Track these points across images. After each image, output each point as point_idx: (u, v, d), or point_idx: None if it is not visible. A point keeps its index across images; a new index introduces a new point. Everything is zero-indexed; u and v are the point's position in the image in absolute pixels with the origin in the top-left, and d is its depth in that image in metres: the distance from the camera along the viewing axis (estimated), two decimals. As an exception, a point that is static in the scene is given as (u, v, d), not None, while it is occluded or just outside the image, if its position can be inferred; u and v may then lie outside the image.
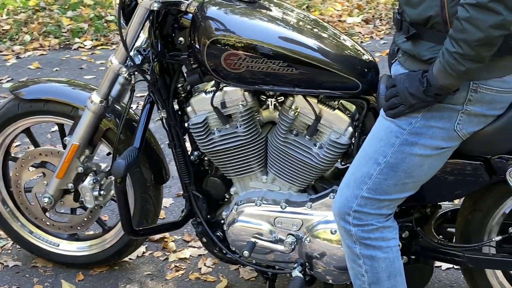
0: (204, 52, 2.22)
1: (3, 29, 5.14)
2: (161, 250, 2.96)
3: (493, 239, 2.36)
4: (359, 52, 2.35)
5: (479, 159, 2.21)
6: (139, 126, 2.43)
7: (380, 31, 5.74)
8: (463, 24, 1.82)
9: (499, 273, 2.47)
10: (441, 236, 2.48)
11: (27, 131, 2.70)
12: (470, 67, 1.87)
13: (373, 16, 5.93)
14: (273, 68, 2.22)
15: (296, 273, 2.34)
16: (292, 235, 2.37)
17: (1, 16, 5.35)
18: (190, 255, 2.94)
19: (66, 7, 5.56)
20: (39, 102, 2.56)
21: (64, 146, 2.61)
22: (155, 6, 2.24)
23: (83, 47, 5.04)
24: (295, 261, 2.39)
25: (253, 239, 2.38)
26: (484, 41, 1.83)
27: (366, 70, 2.28)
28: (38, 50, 4.97)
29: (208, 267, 2.87)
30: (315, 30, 2.36)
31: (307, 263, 2.40)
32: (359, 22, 5.80)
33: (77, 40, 5.11)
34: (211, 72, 2.26)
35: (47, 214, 2.69)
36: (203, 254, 2.94)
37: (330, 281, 2.45)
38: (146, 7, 2.25)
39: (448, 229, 2.50)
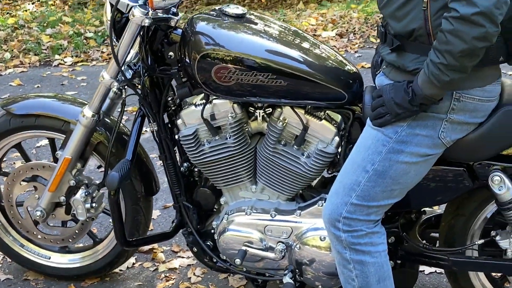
0: (195, 66, 2.25)
1: None
2: (150, 261, 2.98)
3: (476, 243, 2.42)
4: (343, 63, 2.41)
5: (462, 165, 2.28)
6: (130, 139, 2.46)
7: (354, 45, 5.87)
8: (447, 36, 1.89)
9: (481, 275, 2.55)
10: (425, 241, 2.51)
11: (18, 146, 2.72)
12: (454, 77, 1.94)
13: (347, 30, 6.07)
14: (261, 81, 2.25)
15: (287, 279, 2.37)
16: (282, 242, 2.40)
17: None
18: (180, 265, 2.97)
19: (45, 24, 5.67)
20: (30, 117, 2.58)
21: (55, 160, 2.64)
22: (146, 22, 2.27)
23: (63, 64, 5.11)
24: (285, 268, 2.42)
25: (244, 247, 2.41)
26: (468, 52, 1.90)
27: (351, 81, 2.33)
28: (19, 67, 5.05)
29: (198, 276, 2.90)
30: (301, 43, 2.43)
31: (297, 270, 2.43)
32: (334, 36, 6.01)
33: (57, 57, 5.20)
34: (202, 85, 2.29)
35: (38, 227, 2.71)
36: (192, 264, 2.97)
37: (320, 287, 2.49)
38: (137, 23, 2.28)
39: (432, 234, 2.55)
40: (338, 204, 2.18)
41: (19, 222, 2.76)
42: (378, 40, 2.29)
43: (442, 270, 2.90)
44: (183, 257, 3.05)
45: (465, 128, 2.17)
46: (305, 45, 2.43)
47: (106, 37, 5.51)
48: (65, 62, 5.11)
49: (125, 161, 2.40)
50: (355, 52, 5.67)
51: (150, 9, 2.28)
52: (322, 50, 2.46)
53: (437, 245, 2.54)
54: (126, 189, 2.58)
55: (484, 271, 2.54)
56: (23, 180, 2.70)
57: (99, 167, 2.75)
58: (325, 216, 2.21)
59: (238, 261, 2.43)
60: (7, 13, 6.46)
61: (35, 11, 6.26)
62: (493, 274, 2.60)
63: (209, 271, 2.92)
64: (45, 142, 3.60)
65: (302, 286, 2.52)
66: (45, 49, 5.23)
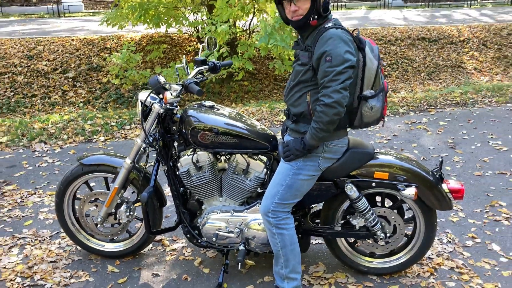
0: (188, 133, 2.60)
1: (50, 132, 5.50)
2: (161, 246, 3.23)
3: (339, 223, 2.79)
4: (265, 129, 2.73)
5: (331, 180, 2.62)
6: (152, 175, 2.76)
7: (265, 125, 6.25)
8: (319, 113, 2.26)
9: (343, 240, 2.87)
10: (312, 223, 2.83)
11: (86, 183, 2.99)
12: (324, 135, 2.32)
13: (260, 118, 6.31)
14: (223, 139, 2.58)
15: (241, 247, 2.70)
16: (238, 228, 2.70)
17: (49, 125, 5.71)
18: (177, 247, 3.21)
19: (86, 119, 5.88)
20: (94, 166, 2.89)
21: (107, 189, 2.98)
22: (161, 111, 2.65)
23: (98, 140, 5.41)
24: (239, 242, 2.72)
25: (216, 231, 2.71)
26: (330, 122, 2.27)
27: (271, 139, 2.67)
28: (72, 143, 5.32)
29: (188, 252, 3.15)
30: (242, 119, 2.72)
31: (246, 242, 2.72)
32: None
33: (94, 137, 5.50)
34: (192, 144, 2.62)
35: (98, 228, 2.97)
36: (184, 246, 3.22)
37: (258, 250, 2.77)
38: (156, 112, 2.64)
39: (316, 220, 2.88)
40: (268, 204, 2.51)
41: (87, 226, 3.01)
42: (280, 121, 2.58)
43: (322, 240, 3.18)
44: (178, 243, 3.28)
45: (331, 161, 2.53)
46: (244, 119, 2.72)
47: (123, 124, 5.89)
48: (100, 139, 5.43)
49: (150, 187, 2.72)
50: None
51: (164, 103, 2.61)
52: (253, 123, 2.76)
53: (319, 225, 2.83)
54: (149, 203, 2.83)
55: (344, 237, 2.86)
56: (89, 202, 2.97)
57: (132, 192, 2.97)
58: (261, 210, 2.55)
59: (214, 239, 2.74)
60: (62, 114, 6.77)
61: (79, 112, 6.55)
62: (349, 239, 2.88)
63: (195, 249, 3.17)
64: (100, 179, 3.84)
65: (249, 251, 2.77)
66: (88, 133, 5.55)
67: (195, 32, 8.54)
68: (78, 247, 3.16)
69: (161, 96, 2.64)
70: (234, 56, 7.04)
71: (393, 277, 2.87)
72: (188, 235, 2.83)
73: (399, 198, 2.75)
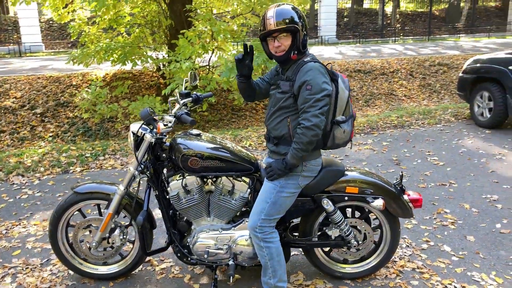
0: (179, 160, 2.62)
1: (26, 165, 5.30)
2: (150, 266, 3.19)
3: (316, 234, 2.87)
4: (248, 153, 2.81)
5: (308, 196, 2.71)
6: (145, 200, 2.75)
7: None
8: (300, 135, 2.38)
9: (320, 250, 2.95)
10: (292, 236, 2.90)
11: (79, 210, 2.93)
12: (304, 154, 2.44)
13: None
14: (212, 164, 2.62)
15: (231, 262, 2.72)
16: (226, 244, 2.71)
17: (24, 158, 5.50)
18: (165, 266, 3.18)
19: (61, 151, 5.72)
20: (88, 194, 2.84)
21: (100, 214, 2.93)
22: (153, 140, 2.66)
23: (75, 171, 5.27)
24: (228, 258, 2.73)
25: (207, 249, 2.71)
26: (309, 143, 2.39)
27: (253, 161, 2.74)
28: (50, 175, 5.15)
29: (177, 270, 3.12)
30: (227, 145, 2.77)
31: (234, 257, 2.72)
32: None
33: (71, 168, 5.35)
34: (183, 169, 2.64)
35: (92, 252, 2.89)
36: (172, 265, 3.19)
37: (245, 264, 2.78)
38: (148, 141, 2.65)
39: (294, 233, 2.94)
40: (255, 220, 2.57)
41: (81, 251, 2.93)
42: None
43: (297, 252, 3.25)
44: (166, 262, 3.25)
45: (309, 179, 2.63)
46: (229, 145, 2.78)
47: (97, 155, 5.75)
48: (76, 170, 5.29)
49: (144, 211, 2.71)
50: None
51: (156, 133, 2.63)
52: (237, 147, 2.82)
53: (298, 238, 2.89)
54: (144, 226, 2.83)
55: (321, 247, 2.93)
56: (83, 228, 2.91)
57: (124, 216, 2.92)
58: (249, 226, 2.60)
59: (205, 256, 2.72)
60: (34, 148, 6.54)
61: (52, 145, 6.35)
62: (324, 248, 2.94)
63: (183, 267, 3.15)
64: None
65: (236, 266, 2.76)
66: (64, 164, 5.38)
67: (155, 68, 8.58)
68: (70, 272, 3.07)
69: (151, 127, 2.65)
70: (198, 89, 7.11)
71: (365, 280, 2.98)
72: (179, 254, 2.81)
73: (366, 209, 2.88)
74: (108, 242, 2.88)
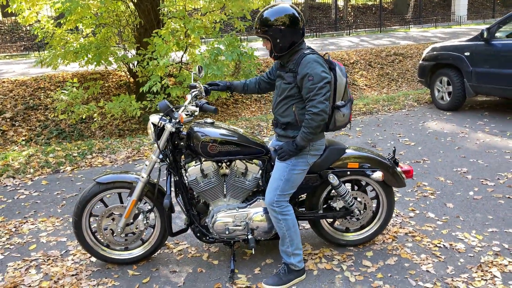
0: (199, 147, 2.82)
1: (15, 168, 5.29)
2: (167, 249, 3.37)
3: (322, 207, 3.16)
4: (258, 138, 3.03)
5: (315, 173, 2.98)
6: (167, 185, 2.92)
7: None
8: (309, 120, 2.64)
9: (325, 221, 3.25)
10: (300, 209, 3.16)
11: (101, 200, 3.06)
12: (313, 137, 2.71)
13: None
14: (229, 148, 2.83)
15: (250, 236, 2.96)
16: (244, 221, 2.94)
17: (10, 161, 5.47)
18: (182, 248, 3.37)
19: (46, 152, 5.73)
20: (111, 183, 2.98)
21: (121, 202, 3.10)
22: (173, 129, 2.84)
23: (66, 170, 5.29)
24: (246, 233, 2.95)
25: (226, 226, 2.93)
26: (317, 127, 2.65)
27: (263, 145, 2.95)
28: (41, 175, 5.16)
29: (193, 250, 3.33)
30: (239, 132, 2.95)
31: (250, 232, 2.95)
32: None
33: (61, 167, 5.35)
34: (202, 155, 2.82)
35: (115, 238, 3.06)
36: (188, 246, 3.37)
37: (261, 238, 3.02)
38: (169, 130, 2.82)
39: (300, 208, 3.17)
40: (272, 196, 2.80)
41: (105, 238, 3.10)
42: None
43: (305, 226, 3.54)
44: (181, 244, 3.44)
45: (316, 157, 2.91)
46: (241, 132, 2.97)
47: (85, 154, 5.77)
48: (67, 169, 5.30)
49: (168, 195, 2.88)
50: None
51: (175, 123, 2.79)
52: (248, 133, 3.02)
53: (305, 210, 3.16)
54: (160, 209, 3.04)
55: (325, 218, 3.20)
56: (106, 216, 3.07)
57: (144, 203, 3.06)
58: (267, 202, 2.82)
59: (227, 232, 2.94)
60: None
61: (36, 148, 6.28)
62: (328, 220, 3.25)
63: (199, 247, 3.36)
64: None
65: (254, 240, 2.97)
66: (54, 164, 5.38)
67: (126, 68, 8.63)
68: (92, 259, 3.22)
69: (169, 117, 2.84)
70: (175, 86, 7.27)
71: (366, 245, 3.34)
72: (198, 234, 3.02)
73: (363, 183, 3.23)
74: (130, 228, 3.06)
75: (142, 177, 2.92)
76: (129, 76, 9.45)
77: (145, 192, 3.00)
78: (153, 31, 7.21)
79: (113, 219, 3.06)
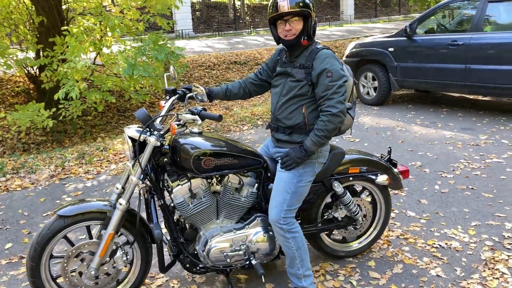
0: (191, 162, 2.35)
1: None
2: (143, 286, 2.79)
3: (321, 219, 2.88)
4: (254, 149, 2.65)
5: (319, 181, 2.72)
6: (152, 211, 2.44)
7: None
8: (325, 122, 2.33)
9: (324, 234, 2.99)
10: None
11: (65, 237, 2.44)
12: (326, 141, 2.40)
13: None
14: (226, 161, 2.44)
15: (253, 261, 2.57)
16: (243, 244, 2.58)
17: None
18: (161, 282, 2.88)
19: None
20: (79, 215, 2.38)
21: (90, 237, 2.51)
22: (158, 143, 2.35)
23: None
24: (246, 258, 2.58)
25: (224, 252, 2.53)
26: (334, 129, 2.37)
27: (260, 156, 2.60)
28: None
29: (176, 284, 2.85)
30: (233, 143, 2.56)
31: (251, 256, 2.59)
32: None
33: None
34: (194, 171, 2.37)
35: (82, 279, 2.46)
36: (167, 279, 2.90)
37: (265, 261, 2.68)
38: (153, 145, 2.34)
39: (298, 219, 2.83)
40: (278, 212, 2.46)
41: (72, 284, 2.46)
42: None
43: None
44: (159, 278, 2.94)
45: (322, 165, 2.63)
46: (236, 144, 2.58)
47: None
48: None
49: (157, 224, 2.40)
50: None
51: (160, 136, 2.33)
52: (243, 144, 2.64)
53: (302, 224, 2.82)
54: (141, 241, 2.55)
55: (324, 231, 2.92)
56: (74, 257, 2.45)
57: (120, 235, 2.49)
58: (271, 219, 2.48)
59: (228, 260, 2.53)
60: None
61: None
62: (326, 232, 2.98)
63: (181, 279, 2.90)
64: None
65: (251, 265, 2.61)
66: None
67: (23, 72, 7.58)
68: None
69: (150, 129, 2.35)
70: (92, 89, 6.49)
71: (363, 255, 3.12)
72: (188, 265, 2.59)
73: (357, 188, 3.02)
74: (105, 268, 2.48)
75: (120, 204, 2.36)
76: (28, 82, 8.37)
77: (122, 223, 2.46)
78: (62, 30, 6.39)
79: (82, 260, 2.44)
